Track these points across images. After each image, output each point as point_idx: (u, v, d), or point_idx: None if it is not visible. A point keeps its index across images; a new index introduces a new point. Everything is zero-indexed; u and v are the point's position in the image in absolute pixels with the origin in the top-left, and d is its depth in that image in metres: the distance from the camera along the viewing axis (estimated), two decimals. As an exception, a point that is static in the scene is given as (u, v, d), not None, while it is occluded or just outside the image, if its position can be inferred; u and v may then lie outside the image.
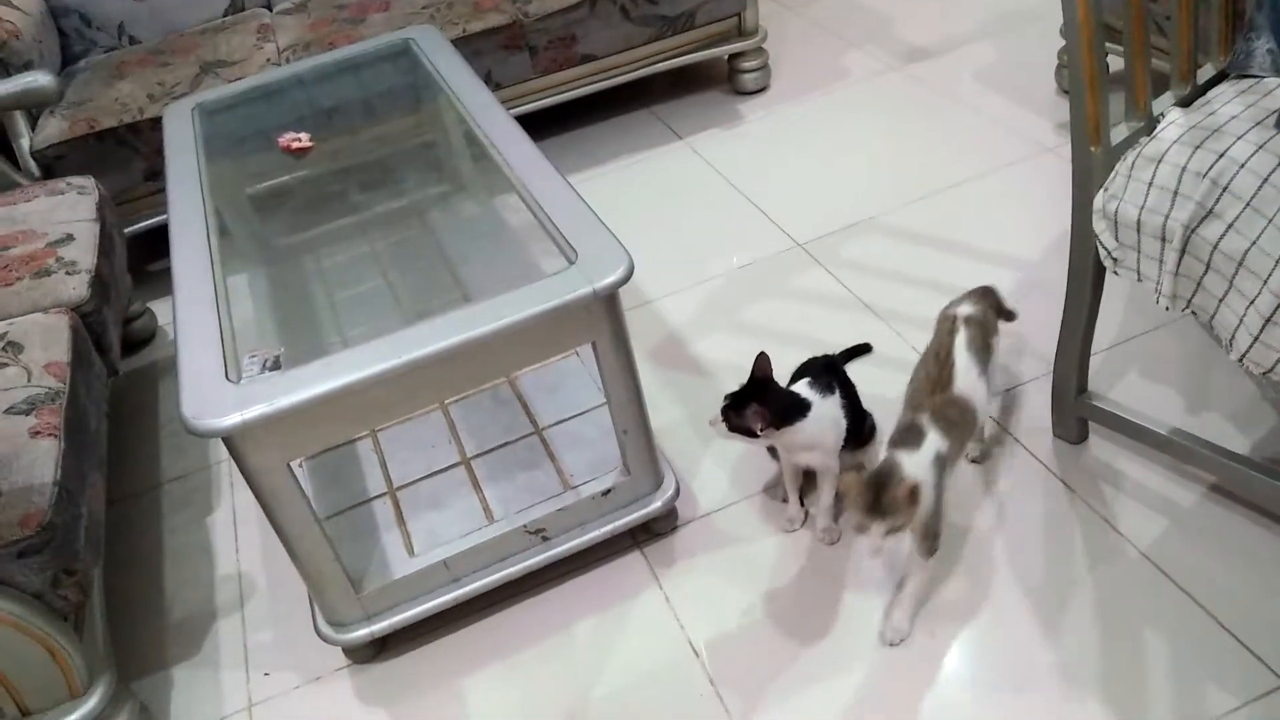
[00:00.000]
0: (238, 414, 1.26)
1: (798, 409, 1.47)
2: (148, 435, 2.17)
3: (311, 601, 1.57)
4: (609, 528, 1.60)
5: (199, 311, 1.48)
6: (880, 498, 1.28)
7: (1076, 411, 1.64)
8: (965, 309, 1.54)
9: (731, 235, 2.38)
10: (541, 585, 1.64)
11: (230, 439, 1.31)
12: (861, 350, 1.90)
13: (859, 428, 1.61)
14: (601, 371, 1.49)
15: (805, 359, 1.66)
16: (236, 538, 1.88)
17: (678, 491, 1.65)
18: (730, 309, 2.17)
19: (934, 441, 1.37)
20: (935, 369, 1.47)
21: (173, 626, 1.74)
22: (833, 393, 1.54)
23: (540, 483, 1.67)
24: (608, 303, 1.41)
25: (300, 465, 1.80)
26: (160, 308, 2.47)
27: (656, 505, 1.62)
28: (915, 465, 1.34)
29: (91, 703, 1.43)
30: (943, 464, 1.37)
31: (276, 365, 1.40)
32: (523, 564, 1.58)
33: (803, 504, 1.66)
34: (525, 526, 1.57)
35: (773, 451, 1.68)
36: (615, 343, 1.46)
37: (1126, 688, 1.34)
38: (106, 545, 1.62)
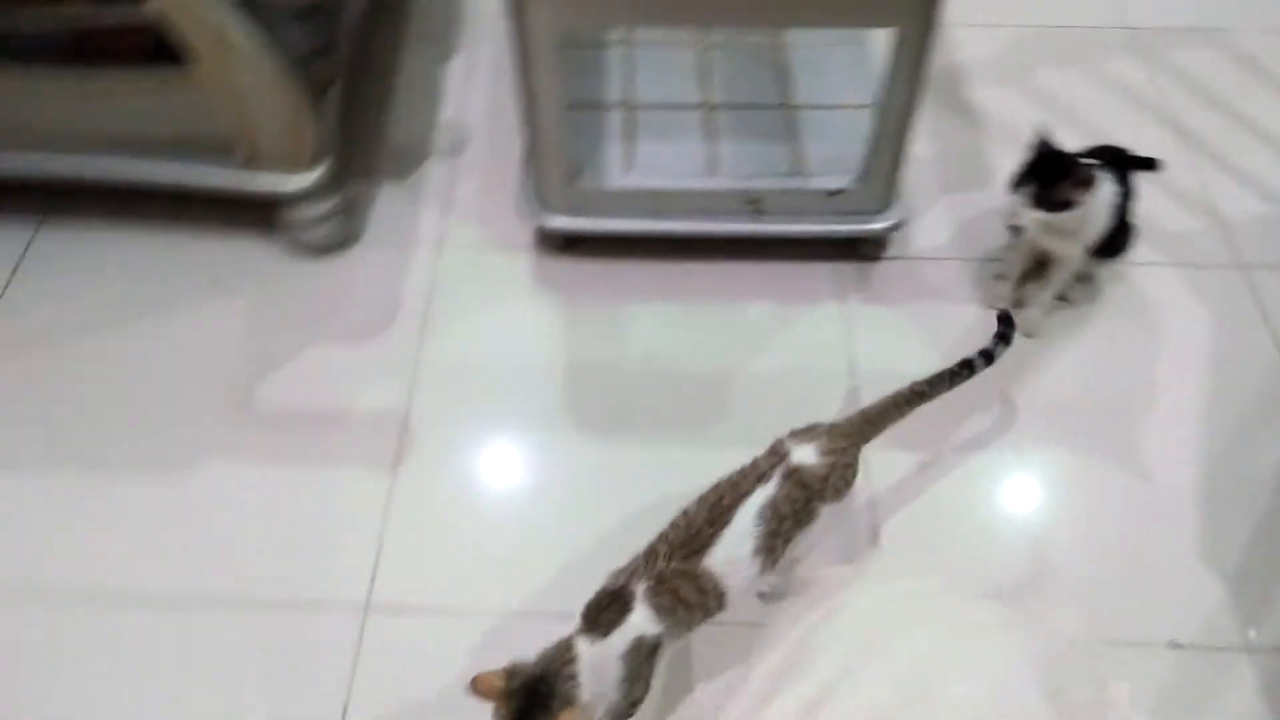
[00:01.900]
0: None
1: (1093, 180, 1.35)
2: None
3: (523, 177, 1.60)
4: (822, 228, 1.57)
5: None
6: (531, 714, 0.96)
7: None
8: (804, 453, 1.10)
9: (1063, -14, 2.09)
10: (733, 256, 1.64)
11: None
12: (1149, 164, 1.71)
13: (1121, 235, 1.48)
14: (890, 66, 1.37)
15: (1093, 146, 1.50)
16: (468, 91, 1.91)
17: (901, 224, 1.58)
18: (1027, 66, 1.95)
19: (639, 623, 1.02)
20: (700, 519, 1.06)
21: (390, 149, 1.82)
22: (1114, 185, 1.41)
23: (771, 158, 1.61)
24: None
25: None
26: None
27: (876, 226, 1.56)
28: (595, 661, 1.00)
29: (313, 176, 1.54)
30: (645, 652, 1.02)
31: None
32: (726, 227, 1.57)
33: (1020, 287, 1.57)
34: (744, 192, 1.54)
35: (1014, 230, 1.58)
36: (920, 38, 1.33)
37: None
38: (351, 56, 1.66)
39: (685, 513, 1.08)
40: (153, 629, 1.27)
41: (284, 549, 1.35)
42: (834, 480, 1.10)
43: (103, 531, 1.36)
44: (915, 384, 1.21)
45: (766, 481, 1.07)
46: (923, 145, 1.79)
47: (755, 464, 1.10)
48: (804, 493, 1.08)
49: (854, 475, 1.14)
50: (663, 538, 1.06)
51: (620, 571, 1.06)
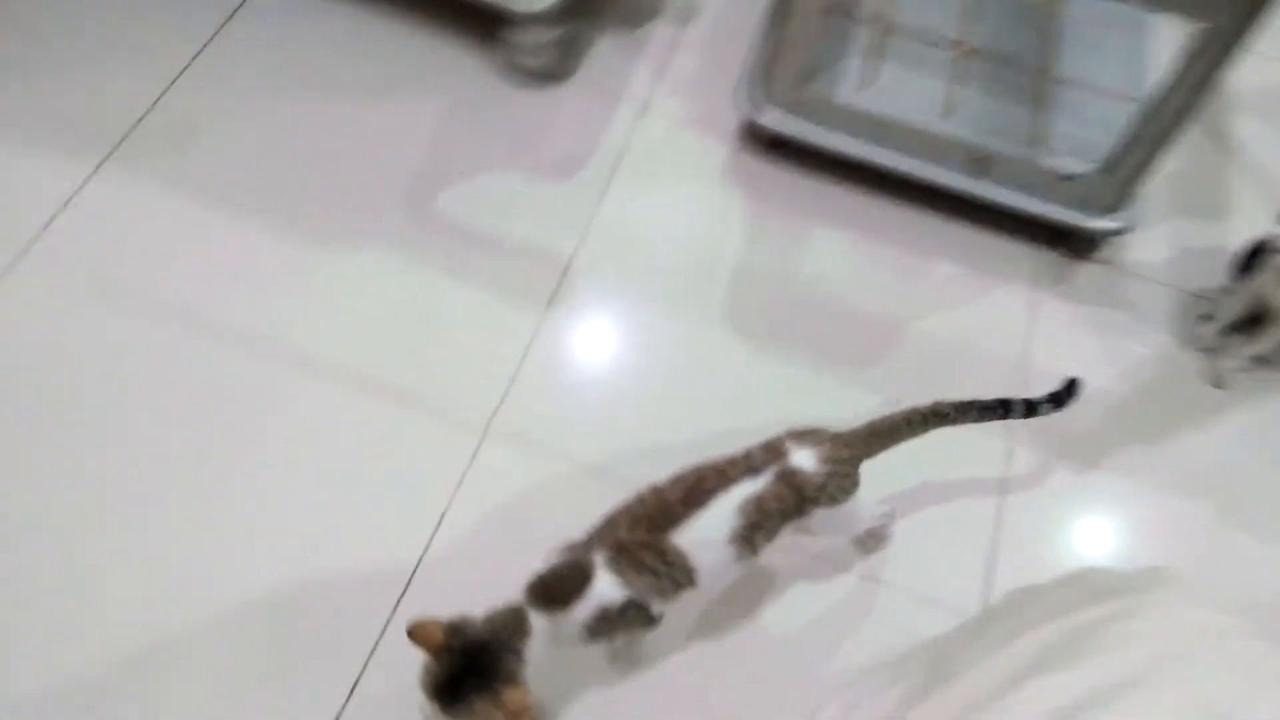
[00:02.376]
0: None
1: None
2: None
3: (750, 65, 1.54)
4: (1041, 209, 1.48)
5: None
6: (465, 693, 0.91)
7: None
8: (803, 457, 1.05)
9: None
10: (938, 209, 1.56)
11: None
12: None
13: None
14: (1180, 64, 1.26)
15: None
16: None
17: (1125, 229, 1.48)
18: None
19: (603, 590, 0.98)
20: (673, 497, 1.02)
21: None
22: None
23: (1013, 120, 1.52)
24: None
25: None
26: None
27: (1099, 225, 1.47)
28: (552, 633, 0.97)
29: (546, 1, 1.50)
30: (615, 617, 0.99)
31: None
32: (943, 178, 1.49)
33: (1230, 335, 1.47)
34: (974, 148, 1.46)
35: (1241, 273, 1.46)
36: (1229, 34, 1.22)
37: None
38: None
39: (655, 489, 1.04)
40: (287, 383, 1.31)
41: (424, 351, 1.36)
42: (831, 489, 1.06)
43: (268, 281, 1.39)
44: (940, 404, 1.14)
45: (756, 476, 1.03)
46: (1173, 157, 1.68)
47: (748, 455, 1.06)
48: (795, 495, 1.04)
49: (853, 485, 1.08)
50: (624, 510, 1.03)
51: (573, 546, 1.02)
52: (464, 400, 1.32)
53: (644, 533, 0.99)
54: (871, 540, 1.26)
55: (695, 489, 1.02)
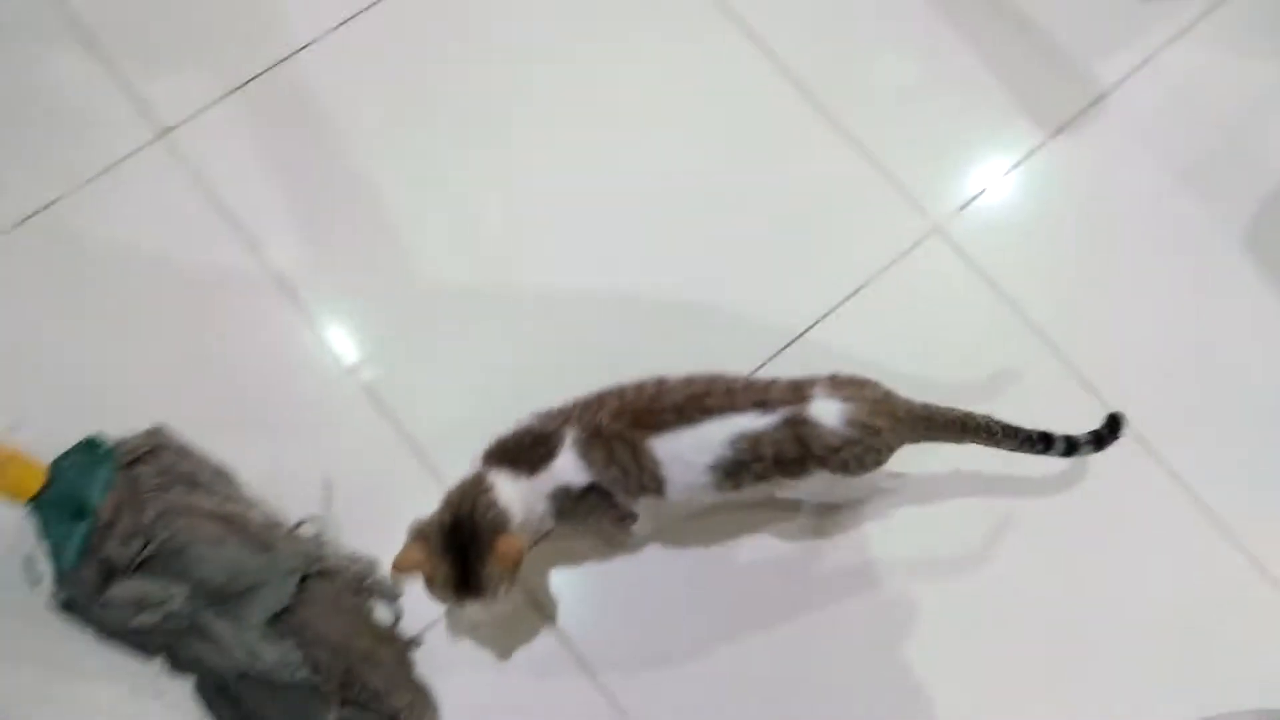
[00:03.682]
0: None
1: None
2: None
3: None
4: None
5: None
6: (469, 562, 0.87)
7: None
8: (827, 409, 0.90)
9: None
10: None
11: None
12: None
13: None
14: None
15: None
16: None
17: None
18: None
19: (565, 469, 0.91)
20: (669, 401, 0.91)
21: None
22: None
23: None
24: None
25: None
26: None
27: None
28: (518, 494, 0.91)
29: None
30: (575, 499, 0.92)
31: None
32: None
33: None
34: None
35: None
36: None
37: None
38: None
39: (660, 382, 0.93)
40: (807, 123, 1.30)
41: (918, 129, 1.28)
42: (845, 455, 0.91)
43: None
44: (992, 420, 0.98)
45: (765, 412, 0.90)
46: None
47: (767, 386, 0.92)
48: (799, 449, 0.90)
49: (875, 463, 0.93)
50: (614, 393, 0.93)
51: (550, 415, 0.94)
52: (932, 190, 1.24)
53: (625, 426, 0.91)
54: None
55: (695, 401, 0.91)
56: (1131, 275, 1.22)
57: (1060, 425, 1.02)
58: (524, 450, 0.92)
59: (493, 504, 0.88)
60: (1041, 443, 1.00)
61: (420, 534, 0.89)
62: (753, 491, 0.95)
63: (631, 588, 1.07)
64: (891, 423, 0.92)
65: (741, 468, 0.91)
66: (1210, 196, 1.24)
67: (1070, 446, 1.02)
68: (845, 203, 1.25)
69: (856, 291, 1.19)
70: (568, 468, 0.91)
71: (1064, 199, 1.26)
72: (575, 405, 0.94)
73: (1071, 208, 1.25)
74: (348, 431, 1.11)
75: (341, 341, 1.15)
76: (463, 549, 0.87)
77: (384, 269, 1.18)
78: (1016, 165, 1.26)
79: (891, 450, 0.94)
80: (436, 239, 1.20)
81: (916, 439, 0.96)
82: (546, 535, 1.01)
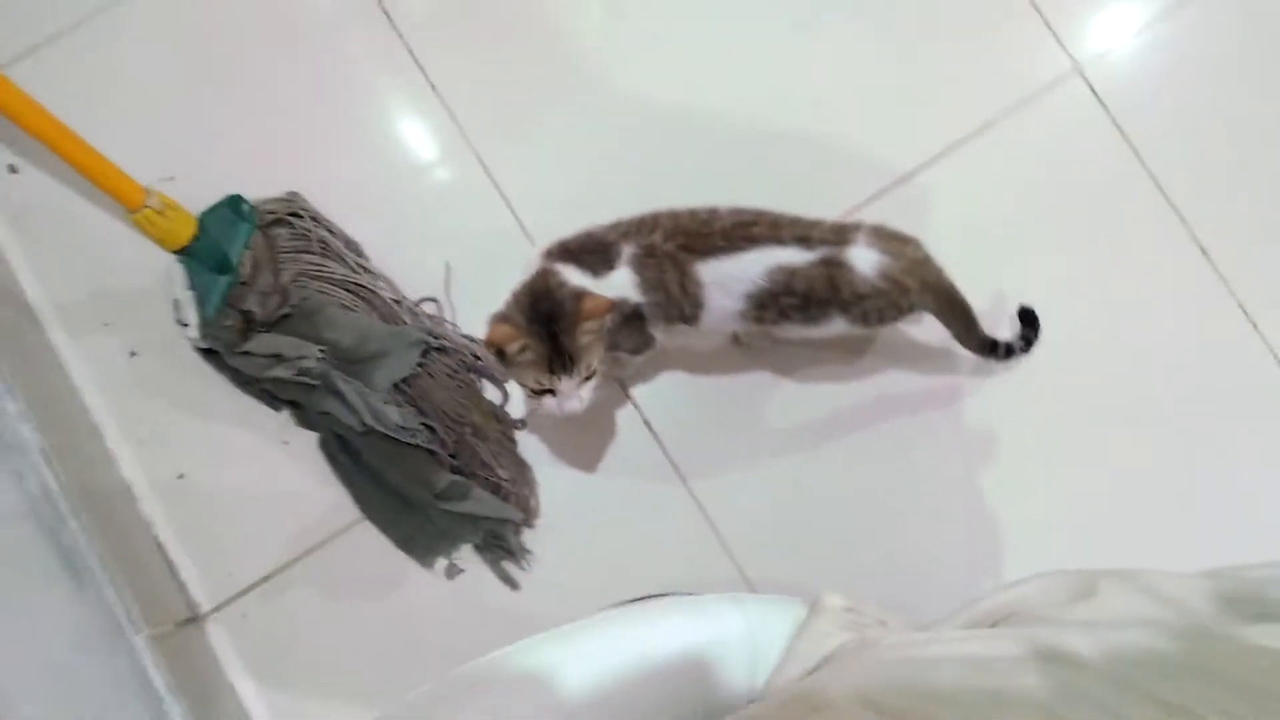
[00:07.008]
0: None
1: None
2: None
3: None
4: None
5: None
6: (557, 334, 0.87)
7: None
8: (865, 258, 0.91)
9: None
10: None
11: None
12: None
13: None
14: None
15: None
16: None
17: None
18: None
19: (621, 283, 0.92)
20: (719, 227, 0.92)
21: None
22: None
23: None
24: None
25: None
26: None
27: None
28: (583, 285, 0.90)
29: None
30: (625, 315, 0.93)
31: None
32: None
33: None
34: None
35: None
36: None
37: None
38: None
39: (714, 210, 0.94)
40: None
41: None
42: (869, 307, 0.92)
43: None
44: (973, 321, 1.00)
45: (805, 249, 0.91)
46: None
47: (812, 225, 0.93)
48: (828, 289, 0.91)
49: (893, 320, 0.95)
50: (670, 215, 0.94)
51: (609, 227, 0.95)
52: (1081, 34, 1.18)
53: (676, 247, 0.92)
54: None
55: (742, 229, 0.92)
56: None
57: (1173, 299, 1.03)
58: (586, 253, 0.93)
59: (563, 284, 0.90)
60: (992, 349, 1.03)
61: (504, 315, 0.90)
62: (762, 333, 1.00)
63: (725, 406, 1.11)
64: (921, 287, 0.94)
65: (772, 299, 0.92)
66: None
67: (1008, 352, 1.04)
68: (975, 23, 1.18)
69: (979, 131, 1.16)
70: (625, 284, 0.93)
71: (1220, 56, 1.18)
72: (630, 222, 0.95)
73: (1230, 68, 1.18)
74: (471, 218, 1.13)
75: (473, 123, 1.15)
76: (548, 325, 0.88)
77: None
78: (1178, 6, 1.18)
79: (909, 314, 0.96)
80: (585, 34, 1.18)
81: (935, 312, 0.97)
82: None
